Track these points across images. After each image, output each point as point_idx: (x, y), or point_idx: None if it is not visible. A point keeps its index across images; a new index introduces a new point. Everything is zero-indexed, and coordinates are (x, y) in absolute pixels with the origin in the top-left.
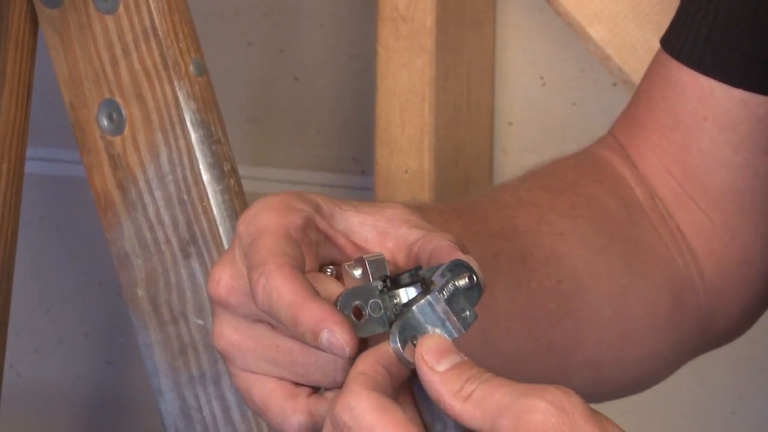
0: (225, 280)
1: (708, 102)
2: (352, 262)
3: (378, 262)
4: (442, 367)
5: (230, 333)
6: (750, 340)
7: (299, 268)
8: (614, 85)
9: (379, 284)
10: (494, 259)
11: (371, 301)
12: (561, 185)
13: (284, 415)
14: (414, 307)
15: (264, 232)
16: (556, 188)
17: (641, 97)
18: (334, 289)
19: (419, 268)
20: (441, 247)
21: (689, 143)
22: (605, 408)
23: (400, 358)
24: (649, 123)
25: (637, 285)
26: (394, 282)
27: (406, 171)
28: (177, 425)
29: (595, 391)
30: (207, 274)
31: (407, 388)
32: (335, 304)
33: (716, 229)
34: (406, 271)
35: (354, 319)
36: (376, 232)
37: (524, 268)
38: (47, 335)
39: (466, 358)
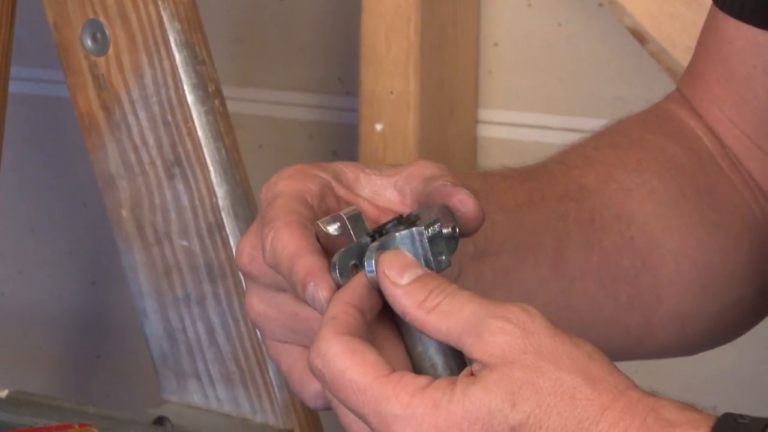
0: (247, 250)
1: (754, 50)
2: (327, 218)
3: (356, 216)
4: (404, 280)
5: (257, 303)
6: None
7: (307, 227)
8: (600, 5)
9: (368, 240)
10: (562, 221)
11: (365, 258)
12: (627, 141)
13: (302, 383)
14: (396, 234)
15: (279, 196)
16: (623, 144)
17: (699, 51)
18: None
19: (401, 216)
20: (436, 188)
21: (745, 93)
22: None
23: (372, 282)
24: (707, 75)
25: (714, 235)
26: (380, 234)
27: (392, 92)
28: (162, 346)
29: (681, 344)
30: (191, 195)
31: (390, 313)
32: (333, 266)
33: None
34: (388, 221)
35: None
36: (396, 192)
37: (594, 228)
38: (32, 255)
39: (429, 271)
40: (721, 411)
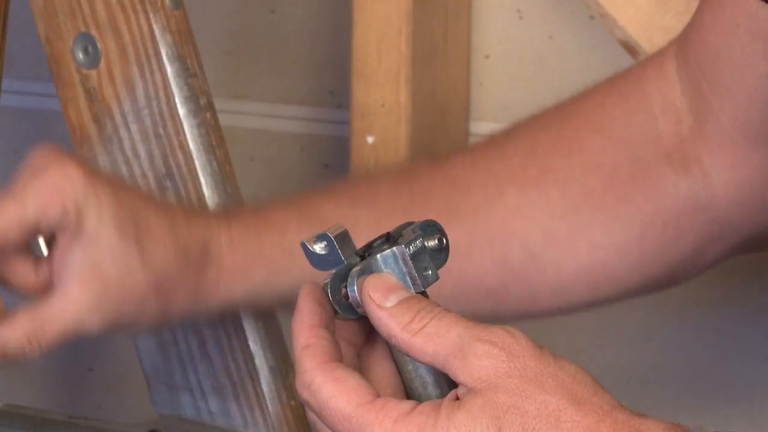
0: None
1: (743, 8)
2: (313, 237)
3: (343, 234)
4: (390, 303)
5: None
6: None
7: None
8: (591, 18)
9: (357, 260)
10: None
11: (347, 283)
12: (552, 141)
13: None
14: (378, 255)
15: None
16: (541, 149)
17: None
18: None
19: (388, 234)
20: None
21: (720, 48)
22: (591, 342)
23: (356, 304)
24: (696, 23)
25: (615, 233)
26: (370, 254)
27: (383, 104)
28: (153, 359)
29: (563, 313)
30: None
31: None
32: (325, 291)
33: (737, 145)
34: (377, 239)
35: (344, 301)
36: None
37: (457, 258)
38: None
39: (414, 294)
40: (709, 428)
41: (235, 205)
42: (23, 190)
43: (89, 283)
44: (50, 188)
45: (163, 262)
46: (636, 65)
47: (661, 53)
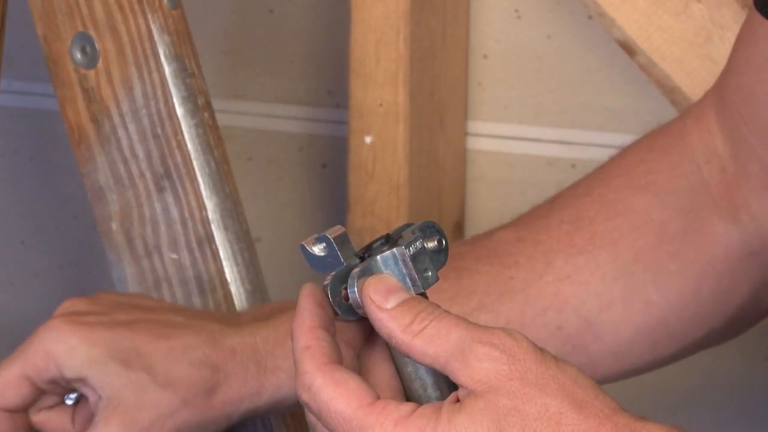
0: None
1: None
2: (312, 239)
3: (342, 236)
4: (390, 304)
5: None
6: None
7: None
8: (589, 18)
9: (357, 261)
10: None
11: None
12: (595, 208)
13: None
14: (378, 256)
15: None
16: (587, 215)
17: (733, 46)
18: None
19: (388, 235)
20: None
21: (755, 86)
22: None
23: (356, 306)
24: (731, 66)
25: (669, 288)
26: (368, 254)
27: (381, 104)
28: None
29: (623, 377)
30: (181, 208)
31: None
32: (325, 293)
33: None
34: (376, 240)
35: (344, 302)
36: None
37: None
38: (22, 268)
39: (414, 295)
40: (706, 419)
41: (284, 302)
42: (19, 353)
43: (111, 416)
44: (38, 350)
45: (181, 380)
46: (674, 120)
47: (698, 105)
